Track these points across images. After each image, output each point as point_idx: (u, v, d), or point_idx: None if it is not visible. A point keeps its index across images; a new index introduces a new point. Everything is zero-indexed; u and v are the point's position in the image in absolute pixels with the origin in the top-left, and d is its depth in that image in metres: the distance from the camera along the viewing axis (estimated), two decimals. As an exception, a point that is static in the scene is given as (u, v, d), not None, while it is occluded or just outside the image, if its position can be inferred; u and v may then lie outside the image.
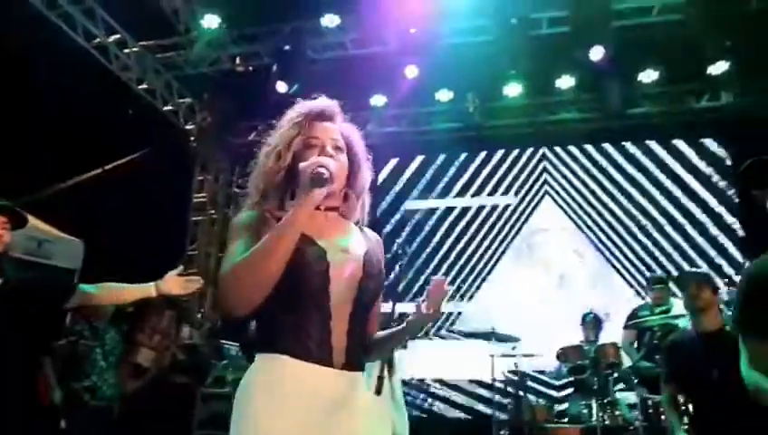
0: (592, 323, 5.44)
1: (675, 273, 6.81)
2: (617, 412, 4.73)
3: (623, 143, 7.59)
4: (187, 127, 8.19)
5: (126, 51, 6.80)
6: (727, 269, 6.89)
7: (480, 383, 7.04)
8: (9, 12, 5.14)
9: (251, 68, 7.43)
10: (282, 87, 6.69)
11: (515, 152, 7.88)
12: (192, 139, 8.25)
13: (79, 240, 5.52)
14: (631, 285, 7.10)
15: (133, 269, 2.87)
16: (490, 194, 7.82)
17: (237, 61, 7.38)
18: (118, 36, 6.62)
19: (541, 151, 7.82)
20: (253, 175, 1.59)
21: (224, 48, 7.13)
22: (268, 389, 1.34)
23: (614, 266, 7.25)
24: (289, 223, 1.32)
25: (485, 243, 7.68)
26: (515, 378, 5.09)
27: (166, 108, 7.82)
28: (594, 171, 7.63)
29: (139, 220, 7.42)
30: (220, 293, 1.34)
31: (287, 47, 6.61)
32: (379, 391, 1.42)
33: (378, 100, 7.25)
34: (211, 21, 6.54)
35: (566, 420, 5.06)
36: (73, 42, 6.23)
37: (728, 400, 2.85)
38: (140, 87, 7.31)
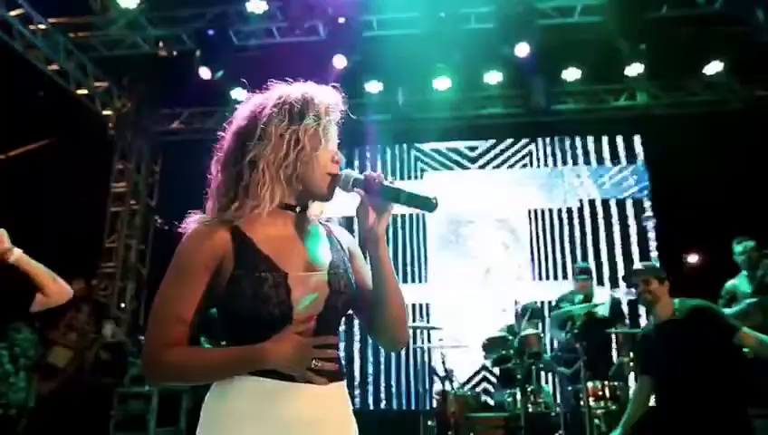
0: (529, 314, 5.57)
1: (593, 263, 7.17)
2: (539, 400, 4.92)
3: (548, 138, 7.87)
4: (105, 113, 7.71)
5: (32, 27, 6.29)
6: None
7: (407, 374, 7.13)
8: None
9: (174, 53, 7.08)
10: (205, 73, 6.42)
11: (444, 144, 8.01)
12: (110, 125, 7.79)
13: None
14: (556, 277, 7.38)
15: (46, 263, 2.65)
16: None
17: (160, 45, 7.02)
18: (21, 11, 6.10)
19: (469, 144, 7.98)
20: (227, 162, 1.34)
21: (143, 30, 6.76)
22: (231, 415, 1.25)
23: (539, 258, 7.51)
24: (256, 360, 1.22)
25: (412, 233, 7.76)
26: (443, 369, 5.16)
27: (80, 91, 7.32)
28: (520, 165, 7.87)
29: (50, 212, 6.95)
30: (146, 355, 1.25)
31: (211, 32, 6.35)
32: None
33: (307, 90, 7.08)
34: (129, 0, 6.16)
35: (491, 408, 5.21)
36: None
37: (685, 383, 3.09)
38: (50, 68, 6.80)
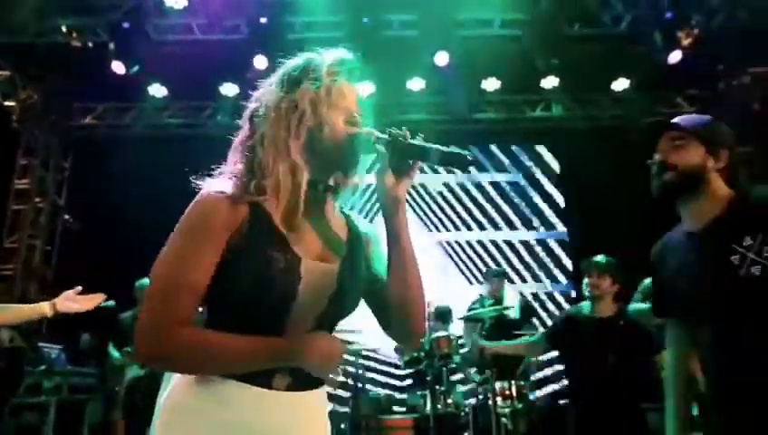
0: (433, 315, 5.69)
1: (507, 268, 7.43)
2: (449, 400, 5.01)
3: (468, 146, 8.09)
4: (7, 104, 7.24)
5: None
6: (553, 268, 7.66)
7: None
8: None
9: (89, 44, 6.75)
10: (119, 68, 6.17)
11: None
12: (14, 118, 7.32)
13: None
14: (470, 282, 7.57)
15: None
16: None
17: (73, 35, 6.67)
18: None
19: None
20: (240, 144, 1.26)
21: (53, 18, 6.40)
22: (199, 414, 1.13)
23: (454, 262, 7.69)
24: (286, 356, 1.11)
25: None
26: (356, 371, 5.17)
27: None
28: (440, 171, 8.05)
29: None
30: (150, 332, 1.06)
31: (126, 25, 6.10)
32: None
33: (228, 89, 6.94)
34: (34, -15, 5.83)
35: (404, 410, 5.26)
36: None
37: (607, 377, 3.26)
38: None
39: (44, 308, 2.49)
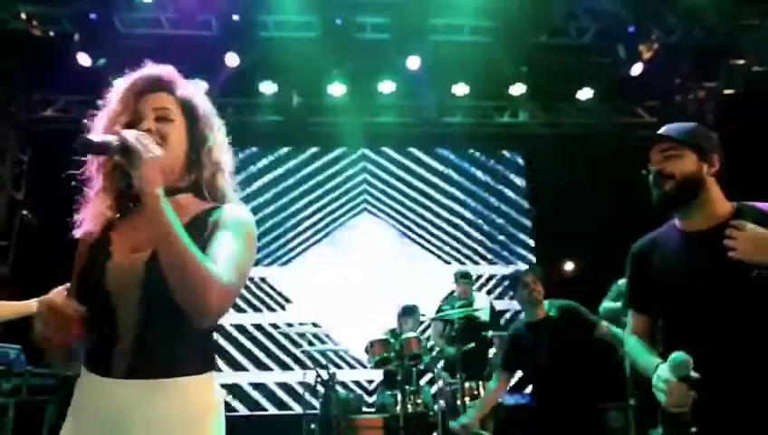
0: (408, 314, 5.75)
1: (475, 267, 7.59)
2: (419, 400, 5.08)
3: (438, 148, 8.23)
4: (-38, 93, 6.95)
5: None
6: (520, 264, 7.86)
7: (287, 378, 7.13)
8: None
9: (51, 33, 6.53)
10: (85, 60, 6.00)
11: (337, 151, 8.10)
12: (-31, 108, 7.03)
13: None
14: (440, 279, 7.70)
15: None
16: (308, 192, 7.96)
17: (34, 23, 6.44)
18: None
19: (360, 152, 8.14)
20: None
21: (13, 5, 6.17)
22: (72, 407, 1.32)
23: (426, 259, 7.79)
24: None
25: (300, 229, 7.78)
26: (326, 372, 5.19)
27: None
28: (412, 170, 8.16)
29: None
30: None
31: (93, 16, 5.94)
32: None
33: (198, 85, 6.84)
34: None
35: (374, 410, 5.31)
36: None
37: (553, 376, 3.43)
38: None
39: (31, 306, 2.39)
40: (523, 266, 3.78)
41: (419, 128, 7.85)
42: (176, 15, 6.17)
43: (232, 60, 5.91)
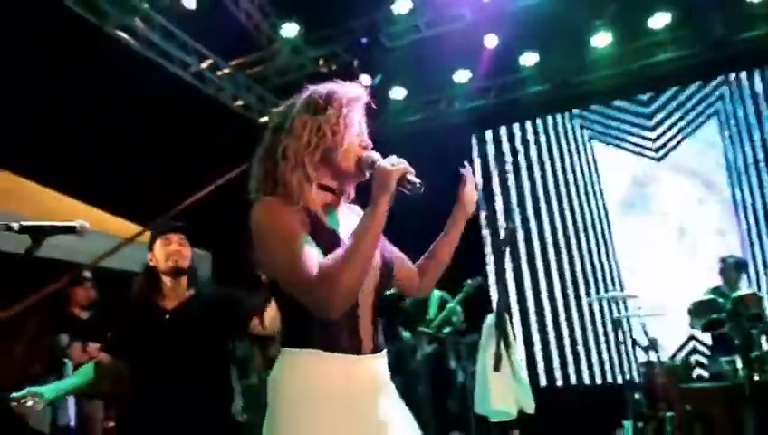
0: (733, 267, 5.01)
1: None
2: (766, 367, 4.38)
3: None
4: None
5: (219, 73, 7.22)
6: None
7: (608, 347, 6.86)
8: (115, 58, 5.65)
9: (333, 67, 7.59)
10: (366, 80, 6.79)
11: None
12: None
13: (206, 252, 5.94)
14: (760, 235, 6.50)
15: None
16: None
17: (321, 63, 7.58)
18: (210, 61, 7.03)
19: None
20: (265, 155, 1.50)
21: (305, 53, 7.36)
22: (305, 387, 1.36)
23: (741, 213, 6.66)
24: (377, 222, 1.31)
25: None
26: (645, 339, 4.86)
27: (262, 119, 8.20)
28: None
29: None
30: (324, 294, 1.26)
31: (364, 40, 6.70)
32: (497, 368, 1.48)
33: (461, 76, 7.15)
34: (290, 30, 6.77)
35: (707, 378, 4.76)
36: (173, 74, 6.65)
37: None
38: (236, 104, 7.73)
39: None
40: None
41: (708, 54, 6.70)
42: (431, 17, 6.52)
43: (491, 41, 5.98)
